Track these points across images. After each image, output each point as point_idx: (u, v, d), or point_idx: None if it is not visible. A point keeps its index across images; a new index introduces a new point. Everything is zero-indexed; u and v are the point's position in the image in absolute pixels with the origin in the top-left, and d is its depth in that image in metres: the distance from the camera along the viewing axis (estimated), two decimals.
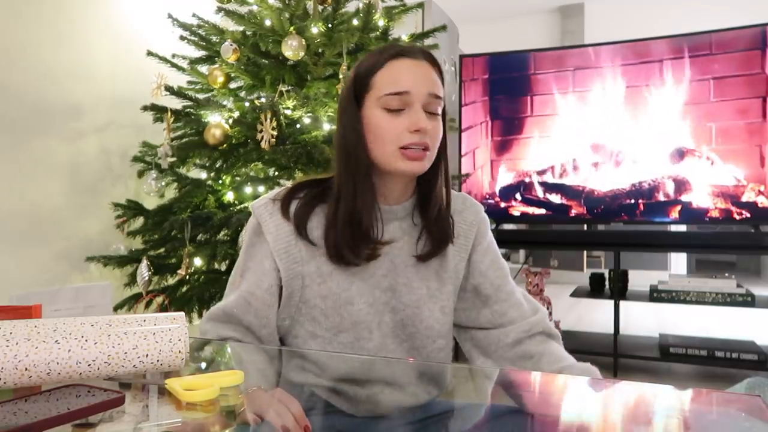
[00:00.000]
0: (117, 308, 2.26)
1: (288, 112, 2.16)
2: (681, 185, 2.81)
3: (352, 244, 0.87)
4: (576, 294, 3.19)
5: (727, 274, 2.91)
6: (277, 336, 0.93)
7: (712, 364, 2.71)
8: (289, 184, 0.98)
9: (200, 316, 2.25)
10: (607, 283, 3.22)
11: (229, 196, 2.22)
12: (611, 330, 2.88)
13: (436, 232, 0.93)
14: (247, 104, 2.28)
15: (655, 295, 2.89)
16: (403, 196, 0.93)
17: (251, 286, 0.90)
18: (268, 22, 2.24)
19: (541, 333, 0.95)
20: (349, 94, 0.90)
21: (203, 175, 2.35)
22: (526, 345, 0.94)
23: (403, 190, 0.93)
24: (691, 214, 2.80)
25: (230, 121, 2.21)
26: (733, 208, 2.72)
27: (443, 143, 0.92)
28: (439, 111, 0.89)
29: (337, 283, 0.89)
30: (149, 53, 2.36)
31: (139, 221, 2.39)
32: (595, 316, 4.11)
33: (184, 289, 2.24)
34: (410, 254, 0.93)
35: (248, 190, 2.15)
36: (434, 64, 0.90)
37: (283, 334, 0.94)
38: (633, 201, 2.89)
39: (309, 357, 0.89)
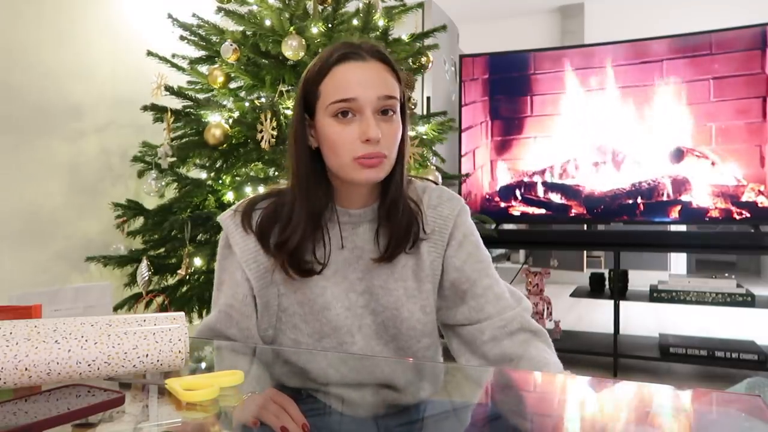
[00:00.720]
0: (117, 308, 2.26)
1: (288, 112, 2.16)
2: (681, 185, 2.81)
3: (286, 258, 0.87)
4: (576, 294, 3.19)
5: (727, 274, 2.91)
6: (262, 345, 0.93)
7: (712, 364, 2.71)
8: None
9: (200, 316, 2.25)
10: (607, 283, 3.22)
11: (229, 196, 2.22)
12: (611, 330, 2.88)
13: (396, 229, 0.90)
14: (247, 104, 2.28)
15: (655, 295, 2.89)
16: (369, 199, 0.91)
17: (228, 298, 0.91)
18: (268, 22, 2.24)
19: (520, 330, 0.92)
20: (299, 102, 0.88)
21: (203, 175, 2.35)
22: (505, 345, 0.91)
23: (368, 194, 0.91)
24: (691, 214, 2.80)
25: (230, 121, 2.21)
26: (733, 208, 2.72)
27: (403, 138, 0.88)
28: (396, 109, 0.85)
29: (310, 289, 0.89)
30: (149, 53, 2.36)
31: (139, 221, 2.39)
32: (595, 316, 4.11)
33: (184, 289, 2.24)
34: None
35: (248, 190, 2.15)
36: (384, 61, 0.86)
37: (268, 345, 0.94)
38: (633, 201, 2.89)
39: (298, 362, 0.88)
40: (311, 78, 0.86)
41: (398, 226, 0.90)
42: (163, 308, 2.16)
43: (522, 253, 5.94)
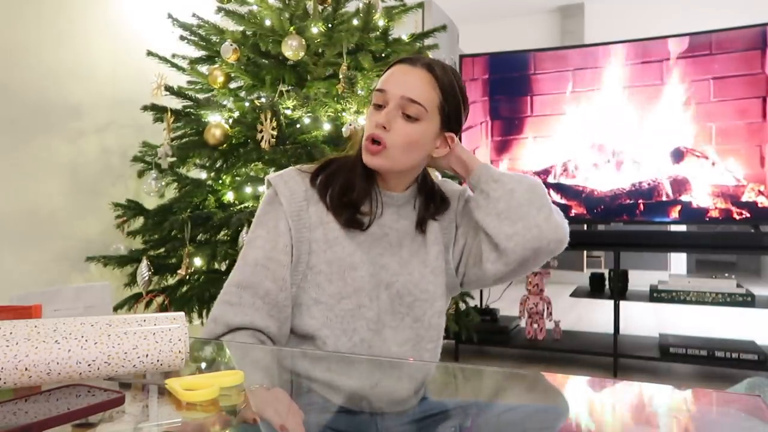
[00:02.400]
0: (117, 308, 2.26)
1: (288, 112, 2.16)
2: (681, 185, 2.81)
3: (344, 207, 0.96)
4: (576, 294, 3.19)
5: (727, 274, 2.91)
6: (290, 301, 0.95)
7: (712, 364, 2.71)
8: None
9: (200, 316, 2.25)
10: (607, 283, 3.22)
11: (229, 196, 2.22)
12: (611, 330, 2.88)
13: (423, 208, 1.03)
14: (247, 104, 2.28)
15: (655, 295, 2.89)
16: (398, 186, 1.00)
17: (267, 251, 0.94)
18: (268, 22, 2.24)
19: None
20: (374, 90, 1.01)
21: (203, 175, 2.35)
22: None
23: (396, 181, 0.99)
24: (691, 214, 2.80)
25: (230, 121, 2.21)
26: (733, 208, 2.72)
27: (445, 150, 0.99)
28: (422, 117, 0.93)
29: (342, 248, 0.95)
30: (149, 53, 2.36)
31: (139, 221, 2.39)
32: (595, 316, 4.11)
33: (184, 289, 2.24)
34: (405, 238, 1.00)
35: (248, 190, 2.15)
36: (431, 72, 0.95)
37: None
38: (633, 201, 2.89)
39: (309, 337, 0.94)
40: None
41: (426, 205, 1.03)
42: (163, 308, 2.16)
43: None
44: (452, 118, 0.97)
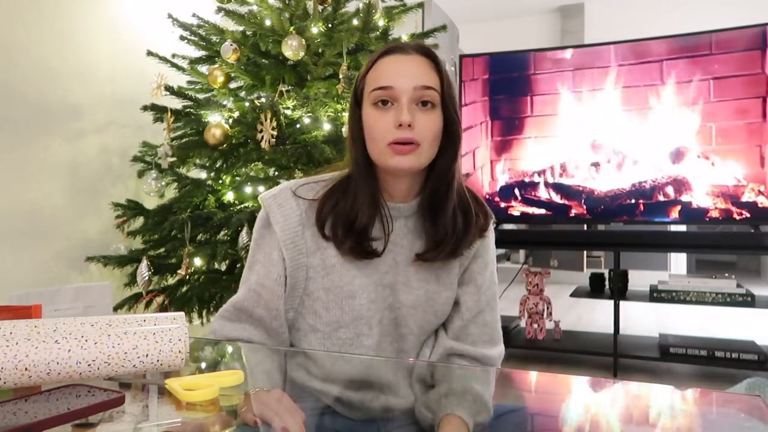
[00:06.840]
0: (117, 308, 2.26)
1: (288, 112, 2.16)
2: (681, 185, 2.81)
3: (352, 239, 0.87)
4: (576, 294, 3.19)
5: (727, 274, 2.91)
6: (286, 328, 0.92)
7: (712, 364, 2.71)
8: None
9: (200, 316, 2.25)
10: (607, 283, 3.21)
11: (229, 196, 2.22)
12: (611, 330, 2.88)
13: (443, 238, 0.89)
14: (247, 104, 2.28)
15: (655, 295, 2.89)
16: (408, 195, 0.91)
17: (261, 278, 0.90)
18: (268, 22, 2.24)
19: (472, 360, 0.95)
20: (352, 96, 0.92)
21: (203, 175, 2.35)
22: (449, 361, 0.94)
23: (408, 188, 0.90)
24: (691, 214, 2.80)
25: (230, 121, 2.21)
26: (733, 208, 2.72)
27: (452, 132, 0.88)
28: (436, 102, 0.86)
29: (340, 276, 0.90)
30: (149, 53, 2.36)
31: (139, 221, 2.39)
32: (595, 316, 4.11)
33: (184, 289, 2.24)
34: (412, 253, 0.92)
35: (248, 190, 2.15)
36: (428, 55, 0.88)
37: (288, 327, 0.94)
38: (633, 201, 2.89)
39: (309, 355, 0.90)
40: (362, 71, 0.90)
41: (443, 227, 0.89)
42: (163, 308, 2.16)
43: (522, 253, 5.93)
44: (450, 103, 0.88)
